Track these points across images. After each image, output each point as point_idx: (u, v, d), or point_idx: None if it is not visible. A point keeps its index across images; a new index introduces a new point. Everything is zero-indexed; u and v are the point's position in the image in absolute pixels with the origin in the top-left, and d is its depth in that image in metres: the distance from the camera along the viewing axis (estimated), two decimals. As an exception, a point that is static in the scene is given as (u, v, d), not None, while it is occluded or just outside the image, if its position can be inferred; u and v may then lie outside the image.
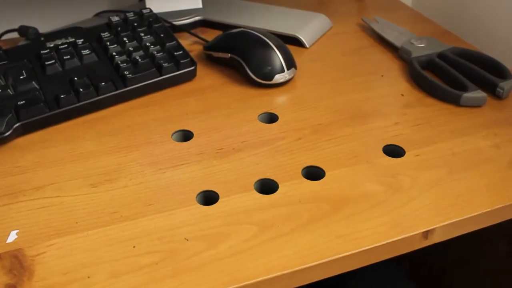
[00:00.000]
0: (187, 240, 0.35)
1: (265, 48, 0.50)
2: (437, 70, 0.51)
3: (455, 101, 0.47)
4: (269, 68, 0.50)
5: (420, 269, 0.73)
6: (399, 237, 0.34)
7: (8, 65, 0.50)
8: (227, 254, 0.34)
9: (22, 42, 0.58)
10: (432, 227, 0.35)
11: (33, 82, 0.48)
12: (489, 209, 0.36)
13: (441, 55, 0.52)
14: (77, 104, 0.47)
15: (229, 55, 0.52)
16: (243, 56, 0.51)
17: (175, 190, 0.39)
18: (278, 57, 0.50)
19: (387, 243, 0.34)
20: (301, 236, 0.35)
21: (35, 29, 0.59)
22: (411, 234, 0.35)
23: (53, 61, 0.50)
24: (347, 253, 0.33)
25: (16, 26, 0.59)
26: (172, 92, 0.51)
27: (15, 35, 0.61)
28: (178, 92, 0.51)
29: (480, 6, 0.66)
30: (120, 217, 0.37)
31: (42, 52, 0.51)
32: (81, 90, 0.47)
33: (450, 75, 0.49)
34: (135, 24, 0.55)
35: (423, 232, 0.35)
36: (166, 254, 0.34)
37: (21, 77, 0.48)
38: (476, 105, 0.47)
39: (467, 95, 0.46)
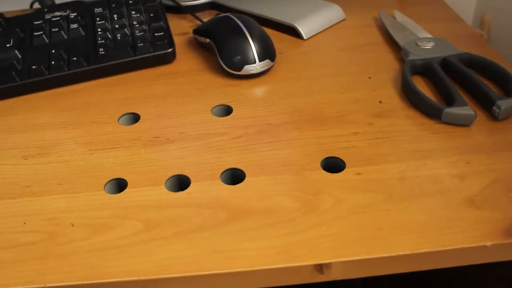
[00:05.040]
0: (73, 225, 0.34)
1: (239, 37, 0.47)
2: (432, 78, 0.43)
3: (437, 116, 0.39)
4: (239, 57, 0.46)
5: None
6: (283, 265, 0.30)
7: (1, 33, 0.52)
8: (100, 247, 0.32)
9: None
10: (327, 261, 0.30)
11: (16, 51, 0.50)
12: (408, 253, 0.30)
13: (445, 61, 0.44)
14: (47, 76, 0.48)
15: (207, 40, 0.50)
16: (218, 43, 0.48)
17: (90, 173, 0.38)
18: (251, 48, 0.46)
19: (266, 269, 0.30)
20: (178, 243, 0.31)
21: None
22: (300, 264, 0.30)
23: (41, 32, 0.52)
24: (215, 272, 0.30)
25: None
26: (146, 73, 0.50)
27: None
28: (151, 74, 0.50)
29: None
30: (30, 192, 0.37)
31: (35, 23, 0.53)
32: (52, 62, 0.48)
33: (443, 85, 0.41)
34: (131, 1, 0.55)
35: (316, 265, 0.30)
36: (47, 236, 0.33)
37: (7, 45, 0.50)
38: (461, 123, 0.39)
39: (449, 110, 0.38)
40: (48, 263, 0.31)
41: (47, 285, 0.30)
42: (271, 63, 0.47)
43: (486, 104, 0.40)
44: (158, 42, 0.50)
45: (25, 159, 0.40)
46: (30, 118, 0.45)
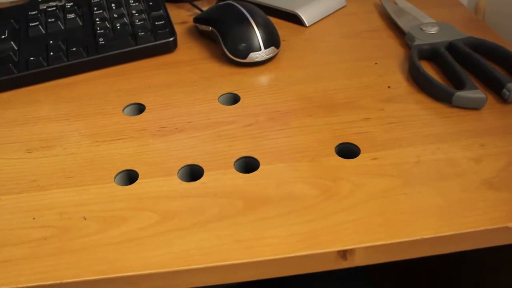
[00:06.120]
0: (85, 219, 0.33)
1: (243, 24, 0.46)
2: (440, 62, 0.43)
3: (447, 100, 0.39)
4: (244, 45, 0.45)
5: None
6: (307, 253, 0.29)
7: (-5, 24, 0.51)
8: (116, 240, 0.31)
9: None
10: (351, 247, 0.29)
11: (12, 43, 0.48)
12: (431, 236, 0.30)
13: (451, 45, 0.44)
14: (46, 68, 0.46)
15: (210, 28, 0.49)
16: (222, 31, 0.47)
17: (99, 165, 0.37)
18: (256, 35, 0.45)
19: (290, 257, 0.29)
20: (198, 233, 0.31)
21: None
22: (324, 251, 0.29)
23: (37, 23, 0.50)
24: (238, 261, 0.29)
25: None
26: (147, 63, 0.49)
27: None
28: (152, 63, 0.49)
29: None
30: (37, 186, 0.36)
31: (29, 13, 0.51)
32: (51, 53, 0.47)
33: (451, 69, 0.41)
34: (128, -10, 0.54)
35: (340, 251, 0.29)
36: (59, 230, 0.32)
37: (2, 37, 0.49)
38: (472, 107, 0.39)
39: (460, 94, 0.38)
40: (62, 258, 0.30)
41: (64, 281, 0.29)
42: (276, 50, 0.46)
43: (494, 87, 0.40)
44: (159, 31, 0.48)
45: (29, 152, 0.39)
46: (30, 111, 0.44)
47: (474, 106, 0.39)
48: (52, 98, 0.45)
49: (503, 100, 0.39)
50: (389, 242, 0.30)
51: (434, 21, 0.49)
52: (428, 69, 0.44)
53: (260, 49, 0.45)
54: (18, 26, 0.51)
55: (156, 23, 0.49)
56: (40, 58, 0.46)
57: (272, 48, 0.46)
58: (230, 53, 0.46)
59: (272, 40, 0.46)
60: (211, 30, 0.49)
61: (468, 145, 0.36)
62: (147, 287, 0.30)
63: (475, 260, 0.51)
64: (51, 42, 0.48)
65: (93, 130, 0.41)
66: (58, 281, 0.29)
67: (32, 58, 0.46)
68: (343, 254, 0.29)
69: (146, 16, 0.51)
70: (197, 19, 0.51)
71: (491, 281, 0.49)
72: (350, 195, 0.33)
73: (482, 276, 0.50)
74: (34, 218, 0.33)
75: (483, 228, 0.30)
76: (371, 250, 0.30)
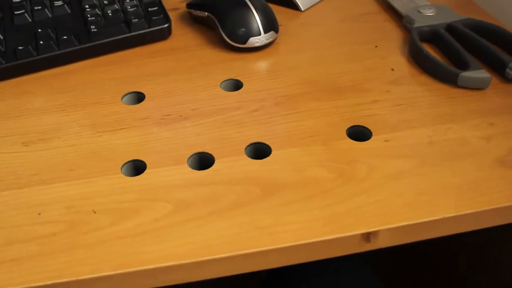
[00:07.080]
0: (95, 212, 0.31)
1: (242, 9, 0.45)
2: (440, 44, 0.43)
3: (452, 81, 0.39)
4: (243, 30, 0.44)
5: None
6: (331, 237, 0.29)
7: (-24, 13, 0.48)
8: (131, 233, 0.30)
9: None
10: (375, 229, 0.29)
11: (-4, 32, 0.46)
12: (453, 215, 0.30)
13: (450, 27, 0.44)
14: (36, 58, 0.44)
15: (206, 13, 0.47)
16: (219, 16, 0.46)
17: (103, 156, 0.36)
18: (255, 19, 0.44)
19: (314, 242, 0.29)
20: (216, 222, 0.30)
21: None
22: (348, 234, 0.29)
23: (23, 11, 0.48)
24: (261, 249, 0.28)
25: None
26: (141, 50, 0.47)
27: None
28: (147, 51, 0.47)
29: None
30: (39, 180, 0.34)
31: (14, 1, 0.49)
32: (41, 42, 0.44)
33: (453, 50, 0.41)
34: (116, -24, 0.52)
35: (364, 234, 0.29)
36: (68, 225, 0.31)
37: (-15, 26, 0.46)
38: (477, 87, 0.39)
39: (466, 74, 0.38)
40: (75, 254, 0.29)
41: (80, 277, 0.28)
42: (276, 35, 0.46)
43: (497, 67, 0.40)
44: (153, 18, 0.47)
45: (26, 146, 0.37)
46: (22, 103, 0.41)
47: (479, 86, 0.39)
48: (45, 88, 0.43)
49: (506, 79, 0.40)
50: (411, 222, 0.29)
51: (429, 3, 0.49)
52: (429, 51, 0.44)
53: (259, 34, 0.44)
54: (2, 14, 0.48)
55: (149, 9, 0.48)
56: (29, 47, 0.44)
57: (272, 32, 0.45)
58: (229, 38, 0.45)
59: (271, 24, 0.45)
60: (207, 16, 0.47)
61: (477, 125, 0.36)
62: (166, 279, 0.29)
63: (476, 240, 0.52)
64: (39, 30, 0.46)
65: (92, 120, 0.39)
66: (74, 278, 0.28)
67: (20, 48, 0.44)
68: (367, 236, 0.29)
69: (138, 3, 0.49)
70: (191, 5, 0.50)
71: (492, 261, 0.50)
72: (367, 178, 0.32)
73: (483, 256, 0.51)
74: (39, 214, 0.32)
75: (500, 205, 0.30)
76: (394, 231, 0.29)
